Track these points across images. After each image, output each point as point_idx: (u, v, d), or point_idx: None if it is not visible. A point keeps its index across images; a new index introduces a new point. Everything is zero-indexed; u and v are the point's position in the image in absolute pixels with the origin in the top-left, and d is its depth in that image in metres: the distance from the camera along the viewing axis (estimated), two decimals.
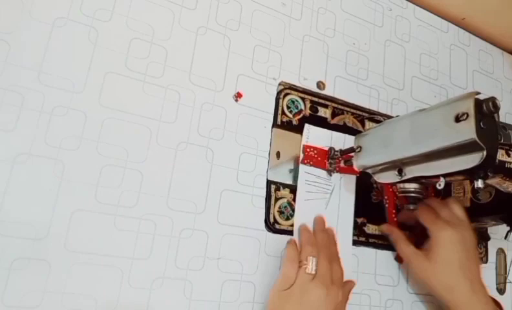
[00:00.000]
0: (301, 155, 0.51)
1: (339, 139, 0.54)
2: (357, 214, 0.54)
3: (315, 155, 0.52)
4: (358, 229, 0.54)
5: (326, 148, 0.53)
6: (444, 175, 0.40)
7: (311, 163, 0.51)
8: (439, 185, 0.39)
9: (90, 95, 0.42)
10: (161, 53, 0.46)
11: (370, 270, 0.54)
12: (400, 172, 0.42)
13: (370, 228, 0.55)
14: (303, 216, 0.50)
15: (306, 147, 0.52)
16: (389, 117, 0.59)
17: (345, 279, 0.48)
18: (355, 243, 0.53)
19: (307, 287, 0.42)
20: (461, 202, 0.58)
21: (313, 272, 0.43)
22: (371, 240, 0.54)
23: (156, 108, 0.44)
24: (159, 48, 0.46)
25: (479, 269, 0.50)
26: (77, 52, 0.42)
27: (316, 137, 0.52)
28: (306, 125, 0.52)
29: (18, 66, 0.39)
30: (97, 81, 0.42)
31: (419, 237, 0.52)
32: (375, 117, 0.58)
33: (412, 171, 0.41)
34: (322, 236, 0.48)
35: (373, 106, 0.58)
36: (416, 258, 0.50)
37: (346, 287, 0.47)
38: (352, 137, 0.53)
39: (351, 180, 0.54)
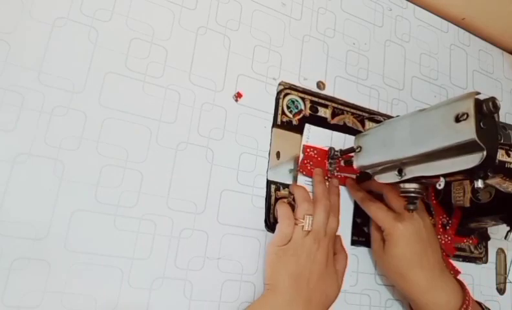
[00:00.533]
0: (301, 155, 0.51)
1: (339, 139, 0.54)
2: (356, 214, 0.54)
3: (315, 156, 0.52)
4: (357, 229, 0.54)
5: (326, 148, 0.52)
6: (444, 175, 0.40)
7: (310, 164, 0.51)
8: (439, 185, 0.38)
9: (90, 95, 0.42)
10: (161, 53, 0.46)
11: (370, 270, 0.54)
12: (400, 172, 0.42)
13: (370, 229, 0.55)
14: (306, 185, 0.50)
15: (306, 147, 0.52)
16: (389, 117, 0.59)
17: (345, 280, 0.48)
18: (354, 243, 0.53)
19: (301, 242, 0.44)
20: (462, 201, 0.58)
21: (309, 229, 0.45)
22: (370, 240, 0.54)
23: (156, 108, 0.44)
24: (159, 48, 0.46)
25: (438, 255, 0.49)
26: (77, 52, 0.42)
27: (316, 137, 0.52)
28: (307, 125, 0.52)
29: (18, 66, 0.39)
30: (97, 81, 0.42)
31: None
32: (375, 117, 0.58)
33: (412, 171, 0.41)
34: (322, 187, 0.49)
35: (373, 106, 0.58)
36: (376, 245, 0.51)
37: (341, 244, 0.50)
38: (352, 137, 0.53)
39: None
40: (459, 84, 0.69)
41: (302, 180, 0.51)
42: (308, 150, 0.52)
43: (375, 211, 0.49)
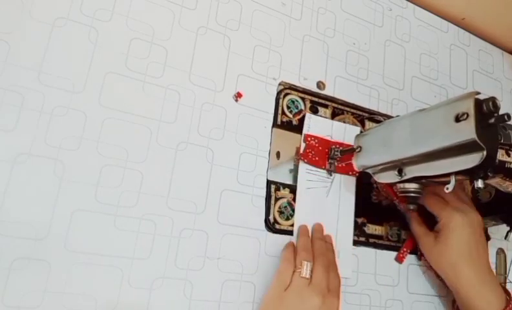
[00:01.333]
0: (302, 144, 0.51)
1: (339, 128, 0.54)
2: (357, 214, 0.54)
3: (316, 144, 0.52)
4: (358, 229, 0.54)
5: (328, 138, 0.53)
6: (444, 175, 0.40)
7: (312, 153, 0.51)
8: (447, 189, 0.39)
9: (90, 95, 0.42)
10: (161, 53, 0.46)
11: (370, 270, 0.54)
12: (400, 172, 0.42)
13: (370, 228, 0.55)
14: (304, 206, 0.50)
15: (307, 136, 0.52)
16: (389, 117, 0.59)
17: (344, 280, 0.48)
18: (355, 243, 0.53)
19: (303, 293, 0.42)
20: (466, 190, 0.58)
21: (307, 276, 0.43)
22: (371, 240, 0.54)
23: (156, 108, 0.44)
24: (159, 48, 0.46)
25: (487, 254, 0.51)
26: (77, 52, 0.42)
27: (317, 126, 0.53)
28: (307, 114, 0.52)
29: (18, 66, 0.39)
30: (97, 81, 0.42)
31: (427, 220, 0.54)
32: (375, 117, 0.58)
33: (412, 171, 0.41)
34: (319, 243, 0.48)
35: (373, 106, 0.58)
36: (426, 238, 0.52)
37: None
38: (353, 127, 0.54)
39: (351, 180, 0.54)
40: (459, 84, 0.69)
41: (303, 170, 0.51)
42: (309, 138, 0.52)
43: (433, 200, 0.50)
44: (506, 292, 0.50)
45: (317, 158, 0.51)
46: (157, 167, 0.43)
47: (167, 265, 0.42)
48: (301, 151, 0.51)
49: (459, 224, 0.48)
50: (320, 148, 0.52)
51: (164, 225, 0.43)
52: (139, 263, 0.41)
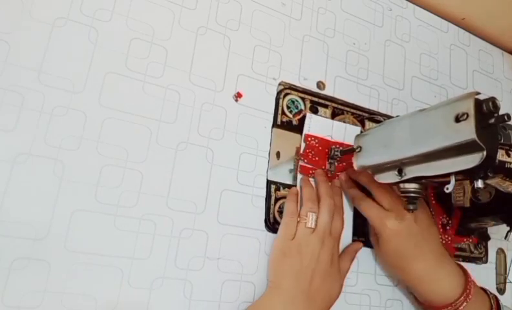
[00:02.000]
0: (302, 145, 0.51)
1: (339, 128, 0.54)
2: (357, 214, 0.54)
3: (317, 145, 0.52)
4: (358, 229, 0.54)
5: (328, 138, 0.53)
6: (444, 176, 0.40)
7: (312, 153, 0.51)
8: (447, 189, 0.38)
9: (90, 95, 0.42)
10: (161, 53, 0.46)
11: (370, 270, 0.54)
12: (400, 172, 0.42)
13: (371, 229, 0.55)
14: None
15: (307, 136, 0.52)
16: (389, 117, 0.59)
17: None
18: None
19: (306, 240, 0.44)
20: (462, 201, 0.58)
21: (312, 226, 0.45)
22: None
23: (156, 108, 0.44)
24: (159, 48, 0.46)
25: (436, 245, 0.49)
26: (77, 52, 0.42)
27: (317, 126, 0.53)
28: (308, 114, 0.53)
29: (18, 66, 0.39)
30: (97, 81, 0.42)
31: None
32: (375, 117, 0.58)
33: (412, 171, 0.41)
34: (325, 187, 0.49)
35: (373, 106, 0.58)
36: (374, 243, 0.52)
37: (351, 247, 0.51)
38: (353, 127, 0.54)
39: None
40: (459, 84, 0.69)
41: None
42: (310, 138, 0.52)
43: (366, 209, 0.49)
44: (465, 273, 0.49)
45: (317, 158, 0.51)
46: (157, 167, 0.43)
47: (167, 265, 0.42)
48: (301, 151, 0.51)
49: (391, 233, 0.47)
50: (320, 148, 0.52)
51: (164, 225, 0.43)
52: (139, 263, 0.41)
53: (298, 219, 0.46)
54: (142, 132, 0.43)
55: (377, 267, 0.54)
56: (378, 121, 0.58)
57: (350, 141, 0.54)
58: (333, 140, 0.53)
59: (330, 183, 0.51)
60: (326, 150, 0.52)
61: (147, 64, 0.45)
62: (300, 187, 0.50)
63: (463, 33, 0.72)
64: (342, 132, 0.54)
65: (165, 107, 0.45)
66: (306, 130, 0.52)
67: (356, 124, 0.56)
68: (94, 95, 0.42)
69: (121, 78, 0.43)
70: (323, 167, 0.52)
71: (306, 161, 0.51)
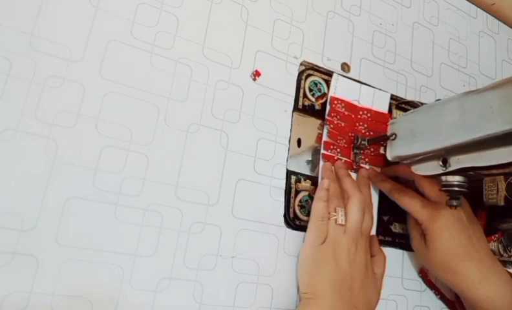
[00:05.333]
0: (327, 107, 0.46)
1: (368, 93, 0.49)
2: (382, 211, 0.49)
3: (342, 110, 0.47)
4: (383, 228, 0.49)
5: (355, 103, 0.48)
6: (496, 167, 0.35)
7: (337, 118, 0.46)
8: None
9: (89, 65, 0.36)
10: (172, 21, 0.40)
11: (397, 274, 0.49)
12: (444, 163, 0.37)
13: (397, 228, 0.50)
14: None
15: (333, 99, 0.47)
16: (416, 105, 0.54)
17: None
18: (380, 243, 0.48)
19: (339, 240, 0.40)
20: (495, 199, 0.53)
21: (343, 222, 0.41)
22: (398, 240, 0.49)
23: (165, 83, 0.39)
24: (169, 15, 0.40)
25: (485, 244, 0.44)
26: (76, 15, 0.36)
27: (344, 89, 0.48)
28: (334, 75, 0.48)
29: (5, 26, 0.33)
30: (98, 49, 0.37)
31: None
32: (402, 105, 0.53)
33: (459, 161, 0.36)
34: (349, 180, 0.44)
35: (400, 93, 0.53)
36: (417, 242, 0.46)
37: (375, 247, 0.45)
38: (382, 93, 0.50)
39: None
40: (488, 74, 0.64)
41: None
42: (336, 102, 0.47)
43: (409, 203, 0.43)
44: None
45: (343, 124, 0.46)
46: (165, 151, 0.38)
47: (175, 263, 0.37)
48: (326, 116, 0.46)
49: (443, 226, 0.42)
50: (346, 113, 0.47)
51: (172, 218, 0.37)
52: (142, 261, 0.35)
53: (328, 215, 0.40)
54: (148, 110, 0.38)
55: (404, 270, 0.49)
56: (406, 110, 0.53)
57: (378, 107, 0.49)
58: (360, 105, 0.48)
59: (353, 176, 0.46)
60: (353, 117, 0.47)
61: (155, 33, 0.39)
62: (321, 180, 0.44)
63: (491, 20, 0.67)
64: (371, 98, 0.49)
65: (174, 83, 0.39)
66: (332, 92, 0.47)
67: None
68: (94, 65, 0.36)
69: (126, 47, 0.38)
70: (348, 158, 0.46)
71: (331, 126, 0.46)
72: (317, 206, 0.41)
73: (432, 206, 0.42)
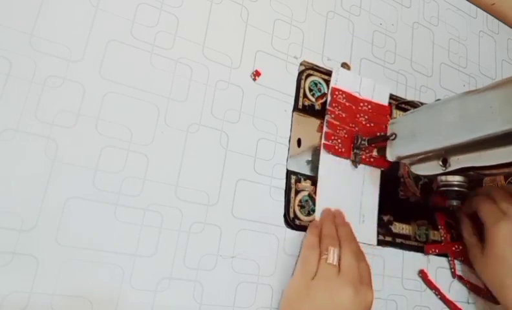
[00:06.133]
0: (329, 98, 0.47)
1: (368, 86, 0.49)
2: (382, 210, 0.48)
3: (343, 101, 0.47)
4: (384, 228, 0.49)
5: (356, 94, 0.48)
6: (496, 167, 0.35)
7: (338, 109, 0.46)
8: None
9: (89, 65, 0.36)
10: (172, 21, 0.40)
11: (397, 274, 0.48)
12: (444, 163, 0.37)
13: (397, 227, 0.50)
14: (325, 199, 0.45)
15: (334, 90, 0.47)
16: (416, 105, 0.54)
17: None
18: (380, 243, 0.48)
19: (333, 284, 0.37)
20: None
21: (335, 263, 0.38)
22: (398, 240, 0.49)
23: (165, 83, 0.39)
24: (169, 15, 0.40)
25: None
26: (76, 15, 0.36)
27: (345, 81, 0.48)
28: (335, 68, 0.48)
29: (6, 27, 0.33)
30: (98, 49, 0.36)
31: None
32: (402, 106, 0.53)
33: (459, 161, 0.36)
34: (345, 230, 0.42)
35: (400, 93, 0.53)
36: (475, 250, 0.47)
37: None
38: (382, 86, 0.50)
39: (376, 173, 0.49)
40: (488, 74, 0.64)
41: (325, 158, 0.45)
42: (337, 92, 0.47)
43: (481, 202, 0.45)
44: None
45: (344, 115, 0.47)
46: (165, 151, 0.38)
47: (175, 263, 0.37)
48: (327, 106, 0.47)
49: (503, 234, 0.43)
50: (347, 104, 0.47)
51: (172, 218, 0.37)
52: (142, 261, 0.35)
53: (319, 255, 0.39)
54: (148, 110, 0.38)
55: (404, 270, 0.49)
56: (405, 110, 0.52)
57: (378, 99, 0.49)
58: (361, 97, 0.48)
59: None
60: (354, 108, 0.47)
61: (155, 33, 0.39)
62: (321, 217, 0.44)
63: (491, 20, 0.67)
64: (371, 90, 0.49)
65: (174, 83, 0.39)
66: (333, 83, 0.47)
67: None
68: (94, 65, 0.36)
69: (126, 47, 0.38)
70: (348, 157, 0.46)
71: (332, 116, 0.46)
72: (308, 239, 0.41)
73: (499, 212, 0.43)
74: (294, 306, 0.37)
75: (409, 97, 0.54)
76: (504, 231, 0.43)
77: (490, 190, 0.46)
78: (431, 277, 0.50)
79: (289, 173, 0.44)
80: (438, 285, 0.50)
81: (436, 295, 0.50)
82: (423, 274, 0.50)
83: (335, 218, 0.44)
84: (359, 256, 0.40)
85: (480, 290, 0.51)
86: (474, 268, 0.49)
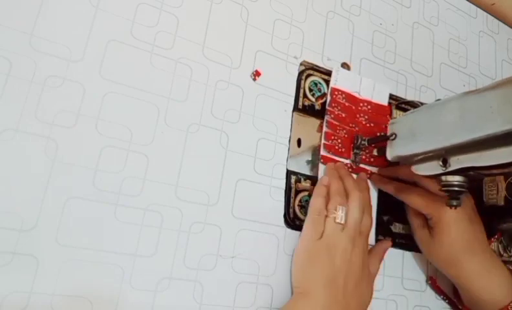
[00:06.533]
0: (329, 98, 0.47)
1: (368, 85, 0.49)
2: (382, 210, 0.48)
3: (343, 101, 0.47)
4: (383, 228, 0.48)
5: (356, 94, 0.48)
6: (496, 167, 0.34)
7: (338, 109, 0.46)
8: None
9: (89, 64, 0.36)
10: (172, 21, 0.40)
11: (397, 274, 0.48)
12: (445, 163, 0.37)
13: (397, 228, 0.50)
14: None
15: (334, 90, 0.47)
16: (416, 105, 0.54)
17: None
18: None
19: (336, 238, 0.40)
20: (495, 199, 0.53)
21: (342, 222, 0.40)
22: (398, 240, 0.49)
23: (165, 83, 0.39)
24: (169, 15, 0.40)
25: (485, 237, 0.45)
26: (76, 15, 0.36)
27: (344, 81, 0.48)
28: (335, 68, 0.48)
29: (6, 27, 0.33)
30: (98, 49, 0.37)
31: None
32: (402, 106, 0.53)
33: (459, 161, 0.36)
34: (351, 181, 0.43)
35: (400, 93, 0.53)
36: (421, 231, 0.46)
37: (379, 247, 0.46)
38: (382, 86, 0.50)
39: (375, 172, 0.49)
40: (488, 74, 0.64)
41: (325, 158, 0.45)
42: (336, 92, 0.47)
43: (417, 199, 0.44)
44: None
45: (343, 115, 0.46)
46: (165, 151, 0.38)
47: (175, 263, 0.37)
48: (327, 106, 0.47)
49: (452, 219, 0.42)
50: (347, 104, 0.47)
51: (172, 218, 0.37)
52: (142, 261, 0.35)
53: (326, 214, 0.40)
54: (148, 110, 0.38)
55: (404, 270, 0.49)
56: (406, 110, 0.52)
57: (378, 99, 0.49)
58: (361, 97, 0.48)
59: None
60: (353, 108, 0.47)
61: (155, 33, 0.39)
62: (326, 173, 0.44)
63: (491, 20, 0.67)
64: (371, 90, 0.49)
65: (174, 83, 0.39)
66: (333, 83, 0.47)
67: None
68: (94, 65, 0.36)
69: (126, 47, 0.38)
70: (348, 157, 0.46)
71: (332, 116, 0.46)
72: (315, 202, 0.41)
73: (440, 201, 0.42)
74: (305, 269, 0.39)
75: (409, 97, 0.54)
76: (449, 217, 0.42)
77: (419, 179, 0.44)
78: (440, 283, 0.50)
79: (289, 173, 0.44)
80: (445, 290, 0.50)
81: (444, 300, 0.50)
82: (432, 281, 0.50)
83: (340, 170, 0.45)
84: (365, 208, 0.42)
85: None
86: (420, 250, 0.48)
